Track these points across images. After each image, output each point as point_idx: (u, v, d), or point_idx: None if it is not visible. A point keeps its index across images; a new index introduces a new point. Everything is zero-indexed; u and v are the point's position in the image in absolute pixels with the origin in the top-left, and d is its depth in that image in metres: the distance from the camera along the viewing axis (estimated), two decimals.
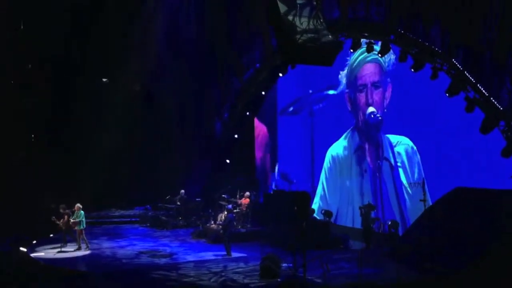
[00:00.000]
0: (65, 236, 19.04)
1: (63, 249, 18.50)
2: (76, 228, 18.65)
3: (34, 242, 19.63)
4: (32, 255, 17.89)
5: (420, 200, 16.51)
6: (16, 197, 21.79)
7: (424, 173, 20.44)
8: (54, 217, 18.97)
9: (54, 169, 24.12)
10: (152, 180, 26.12)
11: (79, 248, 18.65)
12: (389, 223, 19.47)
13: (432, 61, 17.69)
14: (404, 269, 14.63)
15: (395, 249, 16.74)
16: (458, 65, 16.93)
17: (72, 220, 18.62)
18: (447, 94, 17.39)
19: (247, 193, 21.94)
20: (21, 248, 18.11)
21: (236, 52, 25.61)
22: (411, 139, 21.37)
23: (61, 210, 19.04)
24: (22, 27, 23.88)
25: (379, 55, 20.45)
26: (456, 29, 17.03)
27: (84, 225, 18.86)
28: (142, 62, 26.19)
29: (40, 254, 18.16)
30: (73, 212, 18.81)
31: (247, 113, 26.40)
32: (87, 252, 18.55)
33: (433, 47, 17.54)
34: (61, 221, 18.88)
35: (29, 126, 25.08)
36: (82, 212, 18.75)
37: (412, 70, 18.36)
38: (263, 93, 25.69)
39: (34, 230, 20.21)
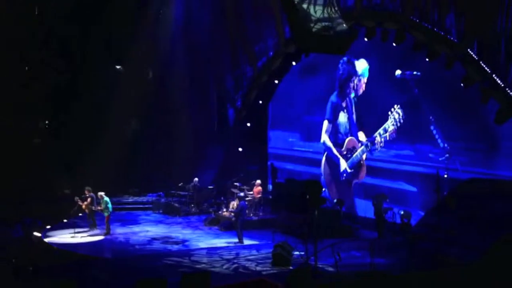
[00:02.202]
0: (91, 218, 19.80)
1: (76, 234, 18.78)
2: (104, 214, 19.18)
3: (48, 227, 19.82)
4: (46, 240, 18.11)
5: (434, 191, 16.39)
6: (30, 183, 22.04)
7: (437, 163, 20.23)
8: (77, 198, 19.54)
9: (68, 155, 24.33)
10: (165, 167, 26.26)
11: (107, 233, 19.07)
12: (402, 213, 19.41)
13: (447, 50, 17.50)
14: (416, 260, 14.61)
15: (407, 239, 16.70)
16: (473, 55, 16.74)
17: (99, 208, 19.33)
18: (462, 85, 17.22)
19: (259, 181, 22.01)
20: (35, 233, 18.31)
21: (249, 40, 25.49)
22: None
23: (86, 193, 19.62)
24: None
25: (394, 43, 20.24)
26: (471, 18, 16.82)
27: (111, 210, 19.38)
28: (152, 50, 26.27)
29: (54, 239, 18.38)
30: (95, 202, 19.58)
31: (260, 102, 26.33)
32: (101, 237, 18.77)
33: (448, 36, 17.36)
34: (84, 203, 19.45)
35: (41, 114, 25.28)
36: (106, 198, 19.29)
37: (427, 59, 18.19)
38: (276, 81, 25.58)
39: (48, 215, 20.40)
